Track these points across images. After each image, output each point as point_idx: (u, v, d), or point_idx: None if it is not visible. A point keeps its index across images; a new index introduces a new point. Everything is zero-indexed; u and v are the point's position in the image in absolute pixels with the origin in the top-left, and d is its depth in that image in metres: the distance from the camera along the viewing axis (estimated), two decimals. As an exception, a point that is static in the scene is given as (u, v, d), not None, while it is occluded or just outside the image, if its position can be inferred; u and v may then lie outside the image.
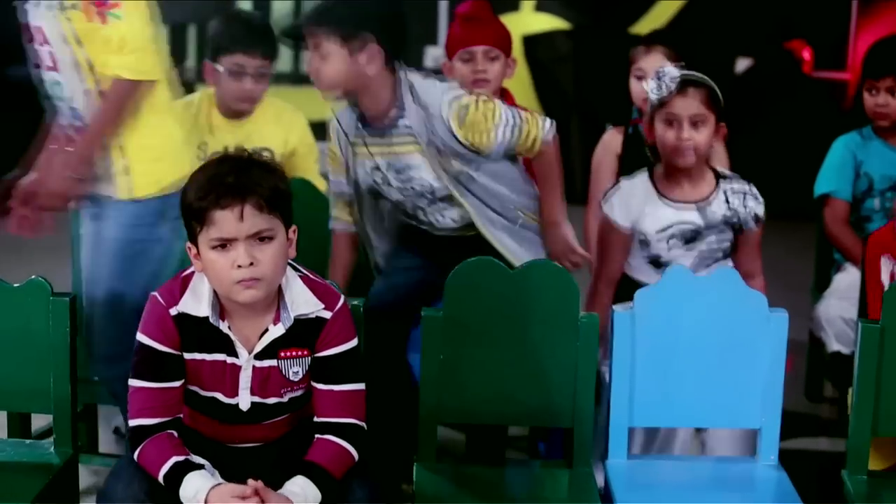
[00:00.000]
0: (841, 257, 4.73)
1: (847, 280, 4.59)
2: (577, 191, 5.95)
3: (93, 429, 4.16)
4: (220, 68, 4.24)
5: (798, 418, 4.52)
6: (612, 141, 4.36)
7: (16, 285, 3.11)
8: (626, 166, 4.22)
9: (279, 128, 4.35)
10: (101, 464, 4.01)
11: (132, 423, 2.77)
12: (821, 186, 4.73)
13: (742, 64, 8.13)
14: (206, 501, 2.64)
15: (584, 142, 7.65)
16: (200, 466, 2.71)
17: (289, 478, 2.71)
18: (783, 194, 7.47)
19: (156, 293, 2.80)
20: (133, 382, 2.78)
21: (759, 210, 3.66)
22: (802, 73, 7.87)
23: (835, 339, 4.51)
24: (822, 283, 4.80)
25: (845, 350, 4.44)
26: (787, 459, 3.28)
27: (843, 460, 3.21)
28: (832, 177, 4.71)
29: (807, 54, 7.72)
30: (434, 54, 8.41)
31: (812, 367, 4.95)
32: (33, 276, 3.11)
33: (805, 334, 4.80)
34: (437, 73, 3.88)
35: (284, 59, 9.94)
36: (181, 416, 2.82)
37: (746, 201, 3.63)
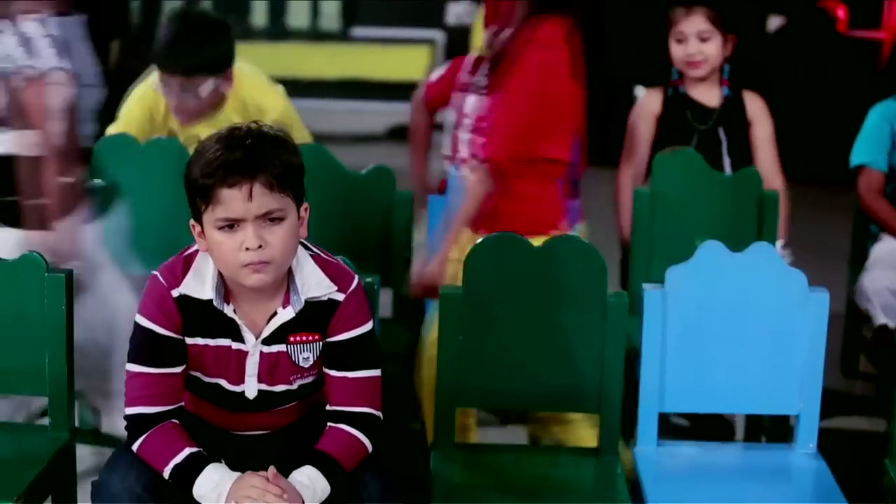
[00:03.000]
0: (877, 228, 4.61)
1: (887, 250, 4.50)
2: (603, 151, 5.78)
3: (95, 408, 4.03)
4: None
5: (833, 396, 4.36)
6: (650, 102, 4.29)
7: (8, 260, 2.97)
8: (664, 127, 4.23)
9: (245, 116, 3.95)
10: (104, 445, 3.89)
11: (129, 411, 2.61)
12: (856, 157, 4.62)
13: (774, 22, 8.01)
14: (228, 495, 2.50)
15: (612, 101, 7.50)
16: (217, 459, 2.57)
17: (296, 467, 2.57)
18: (816, 156, 7.34)
19: (157, 272, 2.64)
20: (131, 367, 2.62)
21: None
22: (836, 31, 7.73)
23: (882, 311, 4.36)
24: (858, 253, 4.68)
25: (892, 323, 4.31)
26: (822, 441, 3.15)
27: (882, 442, 3.10)
28: (867, 147, 4.59)
29: (841, 12, 7.57)
30: (456, 11, 8.30)
31: (848, 341, 4.82)
32: (27, 251, 2.97)
33: (840, 305, 4.62)
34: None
35: (260, 14, 9.80)
36: (182, 404, 2.67)
37: None
